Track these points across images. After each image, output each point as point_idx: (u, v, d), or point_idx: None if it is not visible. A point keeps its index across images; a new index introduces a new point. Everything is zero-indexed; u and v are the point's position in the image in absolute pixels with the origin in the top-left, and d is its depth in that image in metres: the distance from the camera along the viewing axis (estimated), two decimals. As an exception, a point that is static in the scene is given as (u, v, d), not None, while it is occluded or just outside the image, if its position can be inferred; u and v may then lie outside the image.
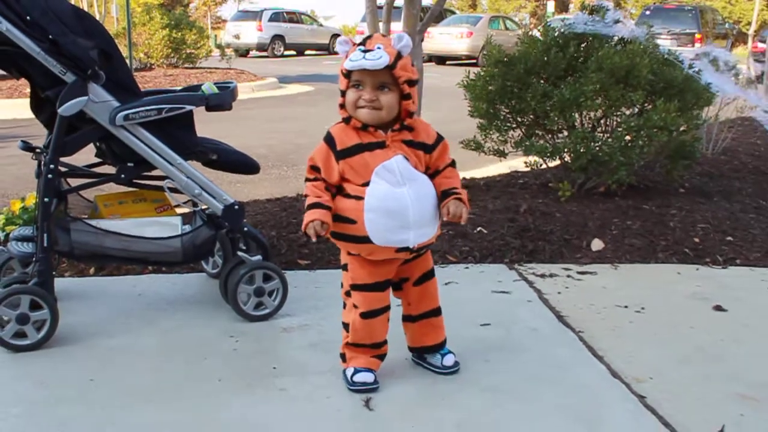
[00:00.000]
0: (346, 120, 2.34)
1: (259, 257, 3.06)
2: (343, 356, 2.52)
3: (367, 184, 2.29)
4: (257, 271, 2.97)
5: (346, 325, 2.50)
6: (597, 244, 3.98)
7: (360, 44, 2.29)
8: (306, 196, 2.37)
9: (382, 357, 2.53)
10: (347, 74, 2.29)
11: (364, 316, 2.43)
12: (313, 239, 2.28)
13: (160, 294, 3.29)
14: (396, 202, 2.28)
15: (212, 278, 3.42)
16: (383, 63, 2.22)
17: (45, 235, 2.75)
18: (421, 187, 2.34)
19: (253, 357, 2.71)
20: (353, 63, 2.24)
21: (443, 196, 2.40)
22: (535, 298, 3.31)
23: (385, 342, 2.51)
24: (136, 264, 3.34)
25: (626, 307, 3.23)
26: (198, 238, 3.00)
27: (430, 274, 2.54)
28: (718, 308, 3.23)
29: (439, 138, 2.45)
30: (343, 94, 2.34)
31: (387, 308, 2.48)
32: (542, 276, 3.59)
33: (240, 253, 3.05)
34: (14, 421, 2.26)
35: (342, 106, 2.34)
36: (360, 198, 2.29)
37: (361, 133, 2.32)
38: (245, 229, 3.09)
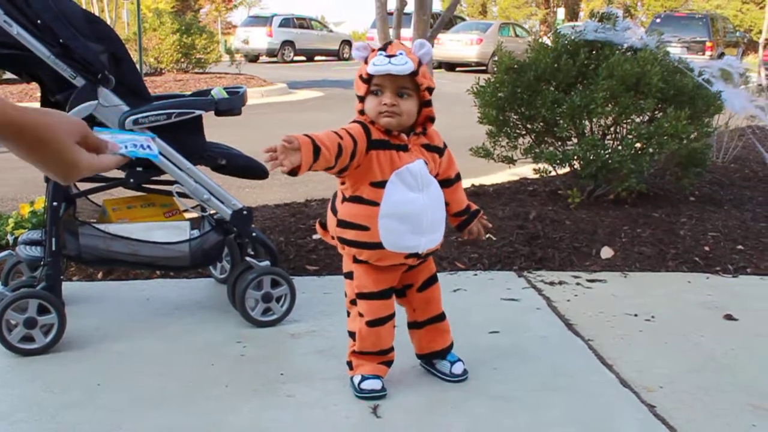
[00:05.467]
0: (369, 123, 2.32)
1: (267, 263, 3.06)
2: (349, 364, 2.50)
3: (382, 184, 2.25)
4: (265, 276, 2.97)
5: (351, 334, 2.49)
6: (606, 252, 3.96)
7: (381, 49, 2.26)
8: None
9: (389, 364, 2.51)
10: (367, 79, 2.25)
11: (371, 324, 2.41)
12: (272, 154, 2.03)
13: (167, 299, 3.30)
14: (412, 206, 2.27)
15: (220, 283, 3.42)
16: (409, 69, 2.20)
17: (53, 239, 2.76)
18: (435, 193, 2.35)
19: (261, 363, 2.71)
20: (378, 68, 2.20)
21: (460, 213, 2.51)
22: (544, 306, 3.30)
23: (391, 349, 2.50)
24: (144, 268, 3.34)
25: (636, 315, 3.21)
26: (206, 242, 3.00)
27: (433, 279, 2.54)
28: (729, 317, 3.21)
29: (444, 144, 2.47)
30: (362, 99, 2.30)
31: (392, 315, 2.46)
32: (551, 284, 3.58)
33: (248, 259, 3.04)
34: (22, 425, 2.26)
35: (361, 112, 2.30)
36: (374, 203, 2.26)
37: (386, 134, 2.29)
38: (253, 234, 3.09)
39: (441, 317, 2.56)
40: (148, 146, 1.37)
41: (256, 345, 2.84)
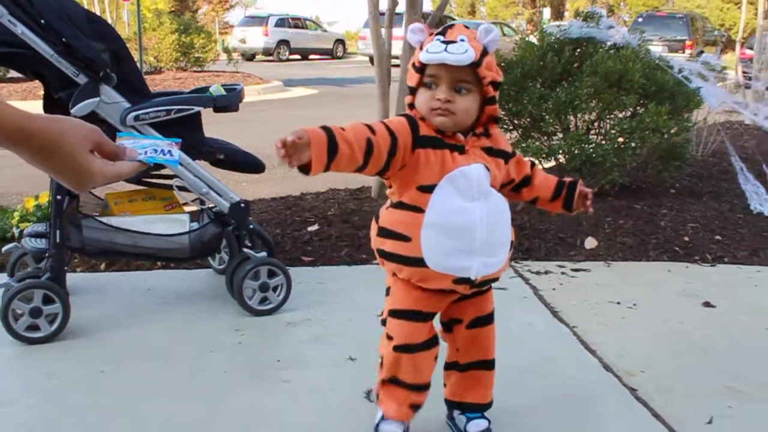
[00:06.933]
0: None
1: (264, 254, 3.06)
2: (376, 396, 2.08)
3: (430, 189, 1.81)
4: (262, 267, 2.97)
5: (381, 358, 2.03)
6: (590, 243, 3.98)
7: (439, 33, 1.83)
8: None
9: (417, 407, 2.03)
10: (421, 68, 1.83)
11: (398, 349, 1.94)
12: (281, 151, 1.60)
13: (168, 289, 3.30)
14: (463, 218, 1.82)
15: (219, 274, 3.42)
16: (469, 58, 1.77)
17: (58, 231, 2.76)
18: (496, 206, 1.88)
19: (258, 350, 2.71)
20: (431, 56, 1.78)
21: (557, 194, 2.05)
22: (531, 294, 3.31)
23: (426, 387, 2.02)
24: (146, 260, 3.34)
25: (618, 303, 3.22)
26: (205, 234, 3.01)
27: (487, 319, 2.03)
28: (707, 304, 3.23)
29: (514, 149, 2.06)
30: (413, 91, 1.88)
31: (430, 344, 1.97)
32: (537, 273, 3.59)
33: (245, 250, 3.05)
34: (28, 411, 2.27)
35: (411, 106, 1.88)
36: (419, 210, 1.81)
37: (439, 132, 1.85)
38: (251, 226, 3.10)
39: (488, 365, 2.07)
40: (169, 152, 1.29)
41: (253, 333, 2.84)
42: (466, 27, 1.87)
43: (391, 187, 1.91)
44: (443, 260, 1.81)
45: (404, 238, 1.82)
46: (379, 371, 2.03)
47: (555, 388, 2.45)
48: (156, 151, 1.27)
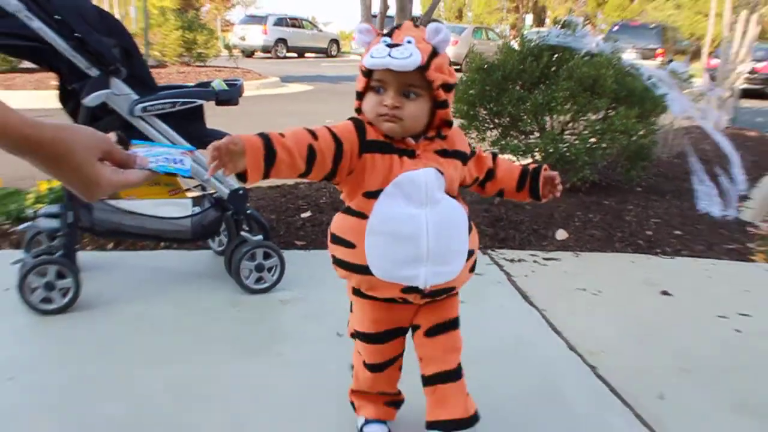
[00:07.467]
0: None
1: (260, 237, 3.10)
2: (352, 405, 2.01)
3: (376, 194, 1.60)
4: (258, 249, 3.02)
5: (352, 368, 1.97)
6: (561, 234, 4.04)
7: (386, 35, 1.60)
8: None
9: (397, 404, 1.97)
10: (368, 73, 1.59)
11: (369, 368, 1.87)
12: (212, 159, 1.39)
13: (171, 268, 3.34)
14: (409, 224, 1.60)
15: (218, 255, 3.46)
16: (413, 63, 1.53)
17: (70, 212, 2.79)
18: (445, 213, 1.65)
19: (254, 325, 2.76)
20: (375, 60, 1.55)
21: (520, 183, 1.86)
22: (505, 280, 3.37)
23: (397, 392, 1.98)
24: (151, 240, 3.38)
25: (584, 290, 3.29)
26: (206, 218, 3.05)
27: (447, 326, 1.79)
28: (665, 293, 3.30)
29: (473, 148, 1.84)
30: (360, 96, 1.64)
31: (397, 358, 1.87)
32: (512, 261, 3.65)
33: (243, 233, 3.09)
34: (43, 376, 2.31)
35: (359, 110, 1.65)
36: (364, 216, 1.61)
37: (387, 137, 1.63)
38: (248, 211, 3.13)
39: (451, 376, 1.79)
40: (181, 161, 1.22)
41: (249, 309, 2.88)
42: (416, 26, 1.63)
43: (342, 192, 1.71)
44: (388, 268, 1.61)
45: (350, 245, 1.63)
46: (353, 380, 1.96)
47: (523, 364, 2.51)
48: (167, 159, 1.21)
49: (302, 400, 2.20)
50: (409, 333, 1.85)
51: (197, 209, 3.08)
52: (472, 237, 1.72)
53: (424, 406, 1.83)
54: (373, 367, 1.84)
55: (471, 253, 1.71)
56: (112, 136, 1.12)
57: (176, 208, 3.03)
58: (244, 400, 2.19)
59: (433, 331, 1.77)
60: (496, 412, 2.12)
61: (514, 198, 1.90)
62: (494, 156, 1.88)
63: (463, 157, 1.73)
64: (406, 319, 1.79)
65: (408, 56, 1.53)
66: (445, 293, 1.72)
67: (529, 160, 4.89)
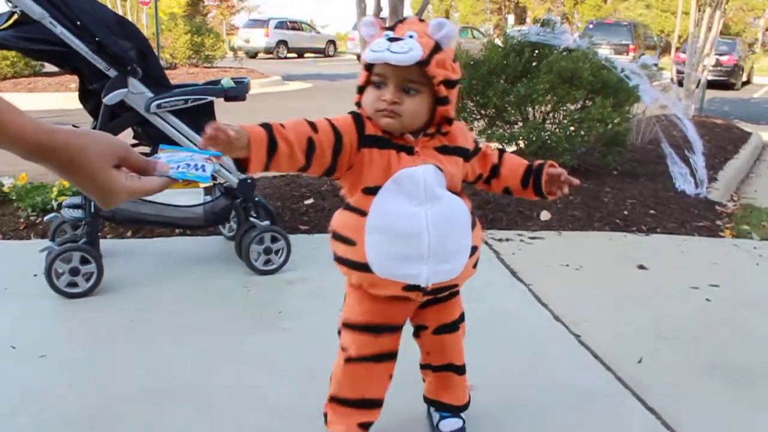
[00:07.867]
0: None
1: (267, 222, 3.10)
2: (324, 416, 1.73)
3: (374, 191, 1.48)
4: (266, 233, 3.01)
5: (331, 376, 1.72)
6: (545, 215, 4.04)
7: (388, 29, 1.48)
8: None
9: (368, 426, 1.69)
10: (369, 67, 1.47)
11: (348, 361, 1.63)
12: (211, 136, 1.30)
13: (186, 252, 3.33)
14: (409, 222, 1.48)
15: (228, 240, 3.45)
16: (412, 58, 1.40)
17: (92, 203, 2.78)
18: (447, 210, 1.52)
19: (263, 303, 2.76)
20: (374, 54, 1.43)
21: (525, 180, 1.70)
22: (494, 258, 3.37)
23: (377, 403, 1.69)
24: (167, 227, 3.37)
25: (567, 265, 3.29)
26: (217, 206, 3.05)
27: (452, 326, 1.72)
28: (641, 267, 3.31)
29: (478, 144, 1.68)
30: (361, 90, 1.52)
31: (387, 357, 1.64)
32: (500, 240, 3.65)
33: (252, 219, 3.09)
34: (69, 354, 2.31)
35: (358, 104, 1.53)
36: (363, 213, 1.49)
37: (386, 132, 1.50)
38: (256, 199, 3.13)
39: (458, 369, 1.78)
40: (203, 167, 1.11)
41: (258, 289, 2.89)
42: (421, 20, 1.50)
43: (343, 188, 1.58)
44: (388, 266, 1.49)
45: (350, 242, 1.50)
46: (331, 386, 1.71)
47: (511, 334, 2.52)
48: (189, 165, 1.10)
49: (308, 368, 2.21)
50: (409, 333, 1.75)
51: (209, 198, 3.07)
52: (476, 233, 1.60)
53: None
54: (360, 359, 1.61)
55: (474, 249, 1.59)
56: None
57: (190, 197, 3.03)
58: (257, 370, 2.20)
59: (440, 330, 1.70)
60: (487, 378, 2.12)
61: (522, 195, 1.74)
62: (501, 152, 1.72)
63: (464, 154, 1.59)
64: (403, 316, 1.65)
65: (407, 51, 1.40)
66: (447, 290, 1.61)
67: (514, 148, 4.90)
